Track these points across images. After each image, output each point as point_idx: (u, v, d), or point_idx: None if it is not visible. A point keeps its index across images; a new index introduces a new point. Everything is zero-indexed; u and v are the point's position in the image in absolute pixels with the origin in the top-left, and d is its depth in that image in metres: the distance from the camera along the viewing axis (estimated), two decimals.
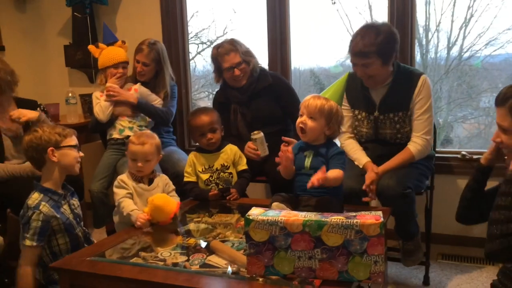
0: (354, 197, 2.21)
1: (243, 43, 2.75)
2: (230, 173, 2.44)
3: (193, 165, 2.43)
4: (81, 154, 2.04)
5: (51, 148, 1.92)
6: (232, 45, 2.67)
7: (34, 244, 1.84)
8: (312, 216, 1.39)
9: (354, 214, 1.40)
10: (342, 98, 2.04)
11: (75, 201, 2.06)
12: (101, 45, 2.94)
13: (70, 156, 1.97)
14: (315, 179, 1.79)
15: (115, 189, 2.14)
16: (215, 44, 2.81)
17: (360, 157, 2.36)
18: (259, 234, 1.40)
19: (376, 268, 1.37)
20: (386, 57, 2.21)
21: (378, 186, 2.19)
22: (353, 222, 1.33)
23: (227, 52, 2.65)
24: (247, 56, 2.69)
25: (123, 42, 2.96)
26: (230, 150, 2.46)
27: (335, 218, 1.35)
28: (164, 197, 2.06)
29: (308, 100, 1.97)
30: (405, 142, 2.33)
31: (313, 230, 1.35)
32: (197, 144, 2.54)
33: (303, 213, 1.42)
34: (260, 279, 1.46)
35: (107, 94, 2.80)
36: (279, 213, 1.42)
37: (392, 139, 2.35)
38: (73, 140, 2.00)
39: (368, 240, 1.33)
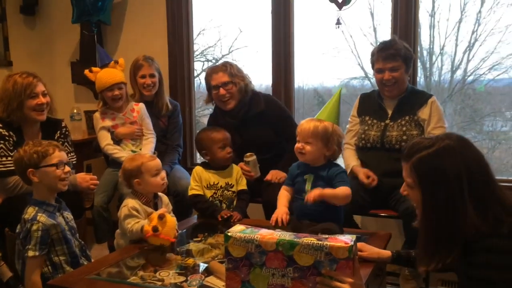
0: (358, 209, 2.37)
1: (238, 67, 2.77)
2: (234, 191, 2.45)
3: (199, 180, 2.42)
4: (67, 169, 2.00)
5: (30, 170, 1.94)
6: (223, 66, 2.73)
7: (37, 254, 1.86)
8: (286, 236, 1.43)
9: (326, 236, 1.43)
10: (339, 116, 2.06)
11: (68, 215, 2.07)
12: (94, 69, 2.93)
13: (50, 176, 1.95)
14: (310, 196, 1.83)
15: (126, 219, 2.04)
16: None
17: (350, 162, 2.54)
18: (237, 250, 1.44)
19: None
20: (408, 64, 2.48)
21: (405, 206, 2.19)
22: (323, 244, 1.36)
23: (216, 71, 2.71)
24: (236, 78, 2.69)
25: (116, 62, 2.92)
26: (234, 169, 2.49)
27: (307, 239, 1.39)
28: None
29: (302, 125, 1.99)
30: None
31: (286, 250, 1.39)
32: (203, 159, 2.55)
33: (279, 232, 1.46)
34: None
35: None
36: (257, 231, 1.47)
37: (397, 143, 2.43)
38: (54, 158, 1.96)
39: (337, 263, 1.36)
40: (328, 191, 1.89)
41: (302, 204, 2.00)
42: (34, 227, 1.86)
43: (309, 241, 1.38)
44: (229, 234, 1.45)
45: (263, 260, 1.42)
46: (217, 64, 2.82)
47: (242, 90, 2.70)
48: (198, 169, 2.45)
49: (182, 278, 1.69)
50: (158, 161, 2.20)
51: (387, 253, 1.75)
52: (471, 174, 1.32)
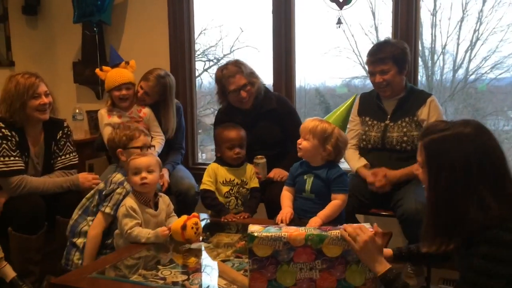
0: (360, 208, 2.38)
1: (247, 64, 2.73)
2: (248, 189, 2.47)
3: (214, 176, 2.41)
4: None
5: (119, 150, 2.26)
6: (237, 67, 2.64)
7: (112, 213, 2.10)
8: (312, 230, 1.48)
9: None
10: (346, 122, 2.07)
11: None
12: (105, 68, 2.93)
13: None
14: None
15: (124, 219, 2.02)
16: (219, 65, 2.78)
17: (355, 163, 2.51)
18: (263, 249, 1.45)
19: (370, 275, 1.48)
20: (400, 65, 2.43)
21: (402, 210, 2.19)
22: None
23: (232, 75, 2.62)
24: (252, 77, 2.66)
25: (127, 62, 2.92)
26: (248, 167, 2.51)
27: (334, 232, 1.46)
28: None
29: (304, 122, 2.05)
30: (410, 148, 2.39)
31: (315, 243, 1.45)
32: (218, 156, 2.50)
33: (303, 228, 1.50)
34: None
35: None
36: (280, 229, 1.48)
37: (398, 143, 2.42)
38: (139, 141, 2.28)
39: None
40: (324, 215, 1.92)
41: (303, 203, 2.02)
42: (119, 191, 2.13)
43: (337, 233, 1.45)
44: (254, 234, 1.44)
45: (290, 256, 1.45)
46: (227, 64, 2.70)
47: (259, 89, 2.69)
48: (214, 166, 2.45)
49: (184, 277, 1.69)
50: (142, 160, 2.10)
51: (388, 251, 1.75)
52: (482, 165, 1.29)
